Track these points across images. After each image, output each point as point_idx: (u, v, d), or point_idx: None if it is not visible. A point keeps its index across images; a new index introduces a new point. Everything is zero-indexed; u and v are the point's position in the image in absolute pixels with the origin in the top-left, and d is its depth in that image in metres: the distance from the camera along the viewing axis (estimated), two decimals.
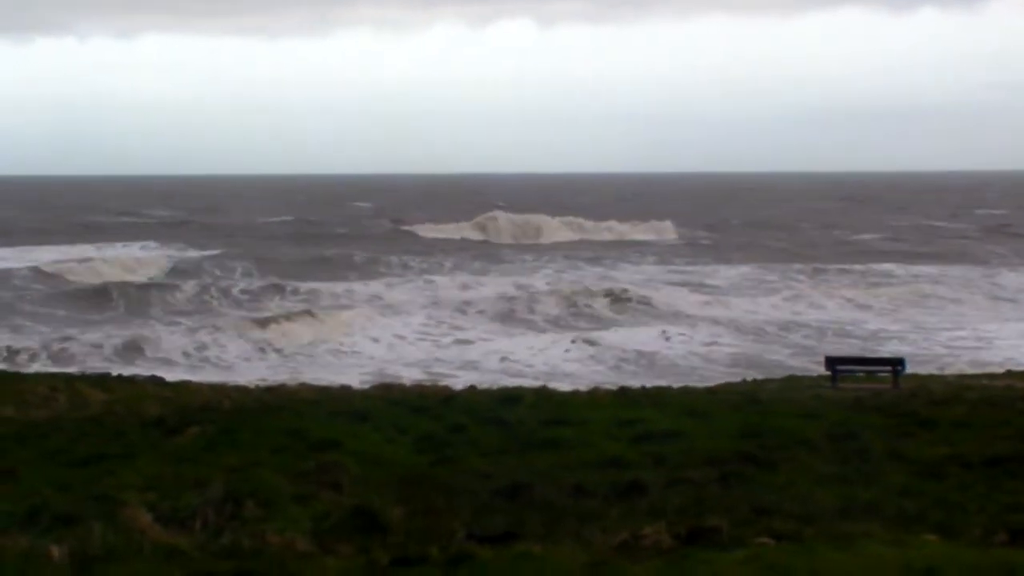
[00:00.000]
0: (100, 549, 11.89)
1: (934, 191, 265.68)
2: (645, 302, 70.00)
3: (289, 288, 76.80)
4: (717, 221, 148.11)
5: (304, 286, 77.52)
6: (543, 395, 27.79)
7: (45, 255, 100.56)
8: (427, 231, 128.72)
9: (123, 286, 75.75)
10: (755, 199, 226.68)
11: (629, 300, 70.22)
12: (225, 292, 75.53)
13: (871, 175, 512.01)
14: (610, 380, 42.13)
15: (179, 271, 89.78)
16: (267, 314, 64.72)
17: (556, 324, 64.28)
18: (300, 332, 58.00)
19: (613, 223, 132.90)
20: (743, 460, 16.77)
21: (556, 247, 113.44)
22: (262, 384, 35.93)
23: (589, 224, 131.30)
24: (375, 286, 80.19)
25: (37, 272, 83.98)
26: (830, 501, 14.16)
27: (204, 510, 13.34)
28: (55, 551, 11.68)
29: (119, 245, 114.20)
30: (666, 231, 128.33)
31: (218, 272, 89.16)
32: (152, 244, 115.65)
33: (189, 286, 76.73)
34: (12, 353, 52.02)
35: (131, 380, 32.58)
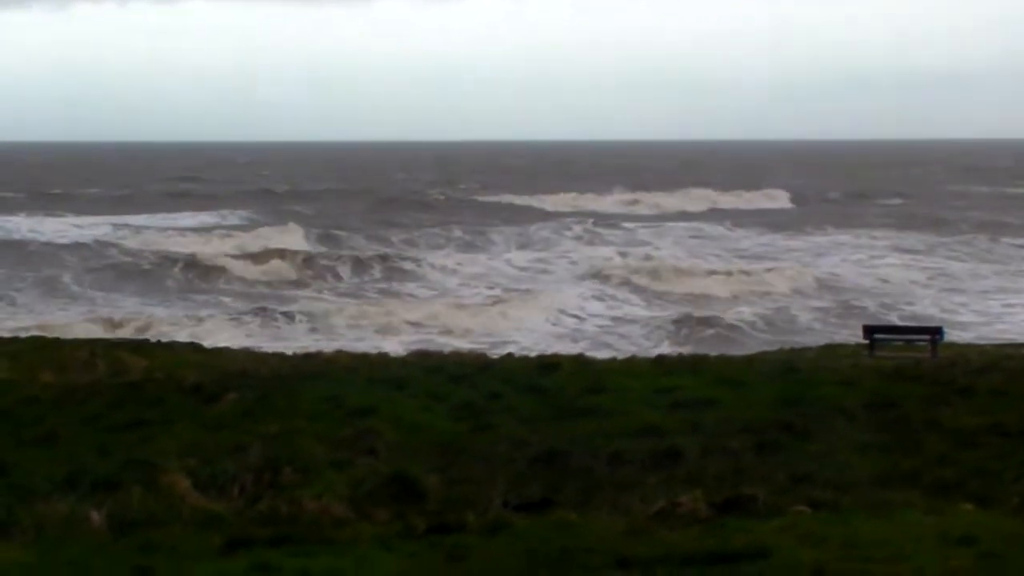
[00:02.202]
0: (139, 514, 11.98)
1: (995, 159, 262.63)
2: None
3: (455, 265, 74.78)
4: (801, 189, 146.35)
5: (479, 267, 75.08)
6: (581, 363, 27.76)
7: (143, 222, 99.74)
8: (543, 203, 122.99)
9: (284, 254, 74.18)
10: (805, 167, 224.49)
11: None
12: (385, 267, 73.18)
13: (917, 142, 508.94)
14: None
15: (327, 244, 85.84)
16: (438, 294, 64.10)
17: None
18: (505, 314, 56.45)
19: (734, 193, 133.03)
20: (780, 428, 16.73)
21: (707, 215, 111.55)
22: (300, 351, 36.03)
23: (714, 194, 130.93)
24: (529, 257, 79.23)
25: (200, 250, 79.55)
26: (867, 470, 14.13)
27: (242, 476, 13.41)
28: (95, 516, 11.77)
29: (232, 212, 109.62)
30: (780, 199, 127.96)
31: (356, 248, 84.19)
32: (242, 213, 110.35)
33: (347, 262, 73.96)
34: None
35: (170, 346, 32.73)
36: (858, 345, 33.39)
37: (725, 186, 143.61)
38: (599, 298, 61.56)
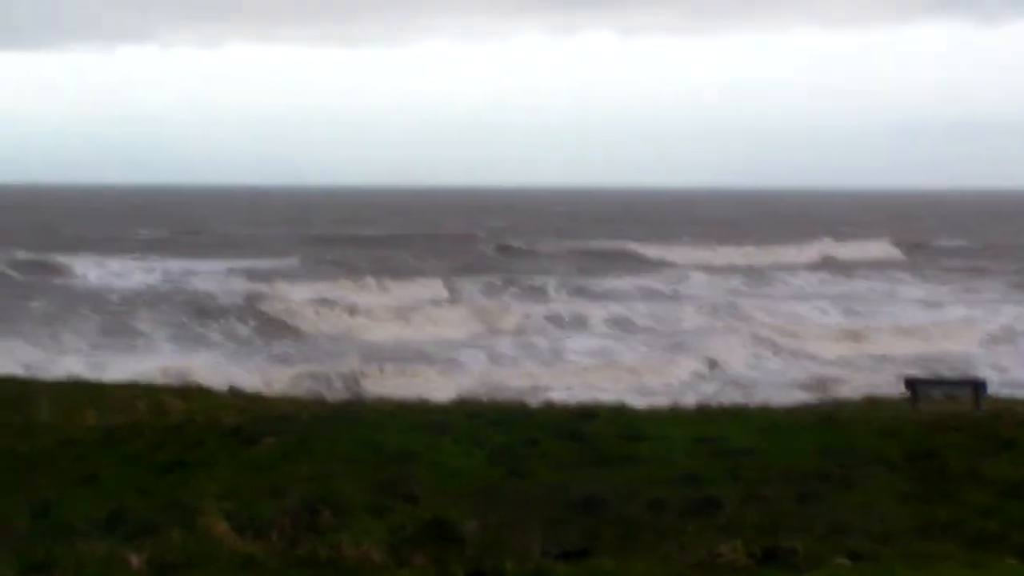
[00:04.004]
0: (178, 556, 12.01)
1: None
2: None
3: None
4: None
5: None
6: (620, 411, 27.71)
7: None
8: (647, 250, 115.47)
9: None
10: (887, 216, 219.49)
11: None
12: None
13: (969, 192, 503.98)
14: None
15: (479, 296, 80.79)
16: None
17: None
18: None
19: (837, 244, 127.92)
20: (820, 478, 16.65)
21: (822, 265, 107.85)
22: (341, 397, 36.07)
23: (817, 243, 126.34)
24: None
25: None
26: (908, 521, 14.03)
27: (281, 519, 13.43)
28: (134, 558, 11.81)
29: (324, 261, 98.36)
30: (887, 250, 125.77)
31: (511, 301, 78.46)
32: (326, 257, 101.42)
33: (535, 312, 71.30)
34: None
35: (210, 390, 32.85)
36: (900, 397, 33.23)
37: (810, 236, 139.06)
38: (747, 353, 58.62)
